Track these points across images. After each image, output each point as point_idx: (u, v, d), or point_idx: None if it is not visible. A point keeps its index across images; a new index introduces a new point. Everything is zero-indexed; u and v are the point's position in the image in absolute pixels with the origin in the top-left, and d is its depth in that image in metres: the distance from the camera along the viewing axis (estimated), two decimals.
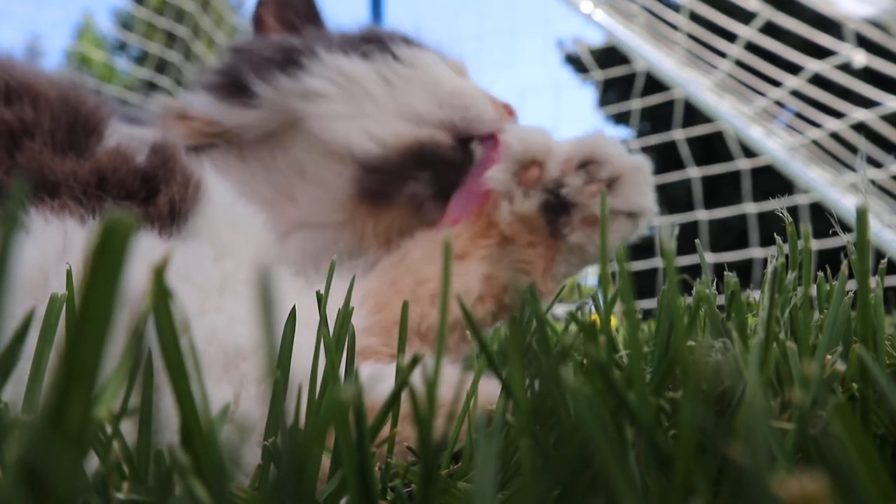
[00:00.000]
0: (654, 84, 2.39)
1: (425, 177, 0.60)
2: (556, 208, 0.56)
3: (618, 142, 0.57)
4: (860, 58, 2.05)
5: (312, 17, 0.75)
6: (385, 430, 0.30)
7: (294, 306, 0.29)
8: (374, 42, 0.65)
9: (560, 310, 0.91)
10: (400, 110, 0.62)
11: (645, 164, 0.57)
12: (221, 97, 0.62)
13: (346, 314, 0.31)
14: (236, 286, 0.41)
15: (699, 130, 2.50)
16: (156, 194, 0.43)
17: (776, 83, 2.21)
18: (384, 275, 0.57)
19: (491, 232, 0.58)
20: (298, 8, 0.74)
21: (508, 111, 0.65)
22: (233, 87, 0.62)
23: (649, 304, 1.69)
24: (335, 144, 0.61)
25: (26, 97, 0.44)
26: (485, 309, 0.57)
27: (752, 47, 2.22)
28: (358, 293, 0.36)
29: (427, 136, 0.61)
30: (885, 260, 0.37)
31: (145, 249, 0.39)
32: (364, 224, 0.62)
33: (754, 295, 0.42)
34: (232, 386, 0.35)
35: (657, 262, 2.27)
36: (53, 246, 0.37)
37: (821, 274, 0.37)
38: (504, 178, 0.56)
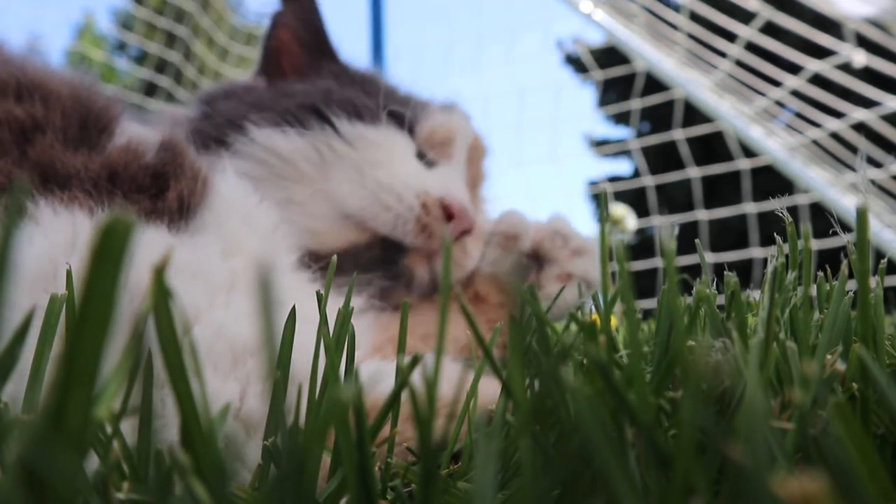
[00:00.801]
0: (654, 84, 2.39)
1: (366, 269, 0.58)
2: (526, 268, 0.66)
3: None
4: (860, 58, 2.05)
5: (322, 40, 0.73)
6: (385, 430, 0.30)
7: (294, 307, 0.29)
8: (315, 111, 0.61)
9: None
10: (329, 198, 0.59)
11: (596, 243, 0.67)
12: None
13: (346, 314, 0.31)
14: (245, 282, 0.41)
15: (699, 130, 2.50)
16: (165, 190, 0.43)
17: (776, 83, 2.22)
18: (378, 326, 0.57)
19: (466, 291, 0.65)
20: (313, 31, 0.72)
21: (448, 213, 0.60)
22: None
23: (649, 304, 1.69)
24: None
25: (37, 94, 0.44)
26: None
27: (752, 47, 2.22)
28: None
29: (350, 241, 0.59)
30: (885, 260, 0.37)
31: (153, 244, 0.39)
32: None
33: (754, 295, 0.42)
34: (239, 382, 0.35)
35: (657, 262, 2.27)
36: (63, 237, 0.37)
37: (821, 274, 0.37)
38: (496, 256, 0.65)
